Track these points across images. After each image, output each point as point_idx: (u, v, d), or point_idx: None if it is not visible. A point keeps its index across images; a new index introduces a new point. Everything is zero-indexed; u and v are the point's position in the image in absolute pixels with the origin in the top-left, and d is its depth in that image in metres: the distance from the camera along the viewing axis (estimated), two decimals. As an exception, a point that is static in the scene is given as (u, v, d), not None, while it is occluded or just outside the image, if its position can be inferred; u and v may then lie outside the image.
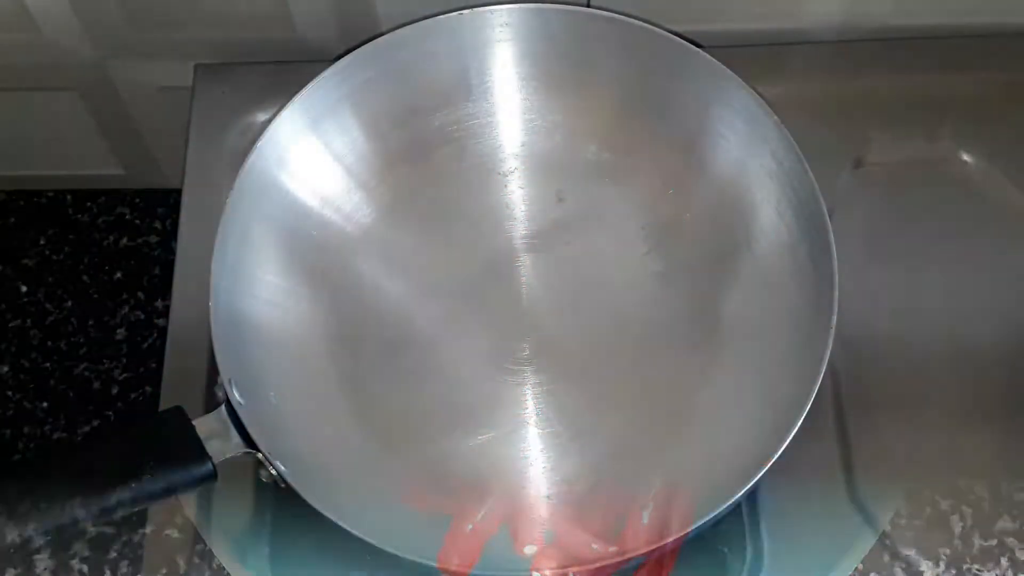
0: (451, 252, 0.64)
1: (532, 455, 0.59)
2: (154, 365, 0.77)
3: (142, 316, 0.79)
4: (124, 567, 0.72)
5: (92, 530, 0.72)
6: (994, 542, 0.58)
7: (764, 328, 0.60)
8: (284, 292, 0.61)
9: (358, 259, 0.63)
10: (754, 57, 0.67)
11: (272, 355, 0.58)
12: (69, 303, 0.79)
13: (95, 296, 0.79)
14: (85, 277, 0.80)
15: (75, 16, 0.68)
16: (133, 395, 0.76)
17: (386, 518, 0.55)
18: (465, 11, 0.62)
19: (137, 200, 0.82)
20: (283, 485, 0.52)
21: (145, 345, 0.78)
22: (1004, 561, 0.58)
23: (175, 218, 0.66)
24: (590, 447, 0.59)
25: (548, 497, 0.58)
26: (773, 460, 0.51)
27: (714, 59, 0.60)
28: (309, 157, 0.62)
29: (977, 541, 0.58)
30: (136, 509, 0.50)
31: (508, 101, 0.65)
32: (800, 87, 0.68)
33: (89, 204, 0.82)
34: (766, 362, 0.58)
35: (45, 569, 0.72)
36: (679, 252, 0.63)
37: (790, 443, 0.51)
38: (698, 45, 0.60)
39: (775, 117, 0.58)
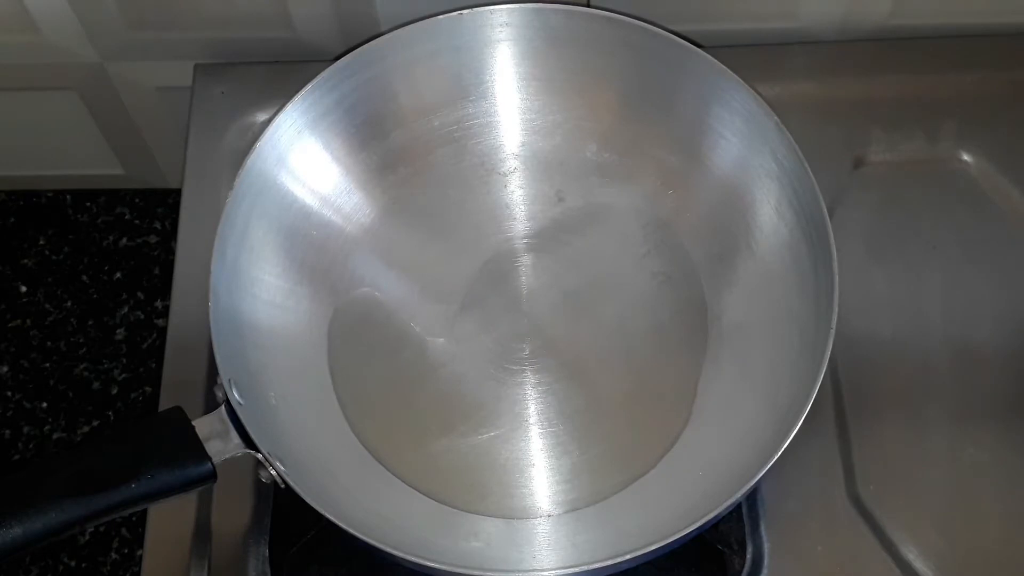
0: (451, 252, 0.64)
1: (532, 455, 0.59)
2: (154, 365, 0.77)
3: (142, 316, 0.79)
4: (123, 568, 0.72)
5: (92, 530, 0.72)
6: (994, 542, 0.58)
7: (764, 328, 0.60)
8: (284, 292, 0.61)
9: (358, 259, 0.63)
10: (754, 57, 0.67)
11: (272, 355, 0.58)
12: (69, 303, 0.79)
13: (95, 296, 0.79)
14: (85, 277, 0.80)
15: (75, 17, 0.68)
16: (133, 395, 0.76)
17: (386, 518, 0.55)
18: (465, 11, 0.62)
19: (137, 200, 0.82)
20: (283, 485, 0.51)
21: (145, 345, 0.78)
22: (1004, 561, 0.58)
23: (175, 218, 0.66)
24: (590, 447, 0.59)
25: (548, 497, 0.58)
26: (773, 460, 0.51)
27: (714, 59, 0.60)
28: (309, 157, 0.62)
29: (977, 541, 0.58)
30: (136, 509, 0.50)
31: (508, 101, 0.65)
32: (800, 87, 0.68)
33: (89, 204, 0.82)
34: (766, 362, 0.58)
35: (45, 569, 0.72)
36: (679, 252, 0.63)
37: (790, 443, 0.51)
38: (698, 45, 0.60)
39: (775, 117, 0.58)
